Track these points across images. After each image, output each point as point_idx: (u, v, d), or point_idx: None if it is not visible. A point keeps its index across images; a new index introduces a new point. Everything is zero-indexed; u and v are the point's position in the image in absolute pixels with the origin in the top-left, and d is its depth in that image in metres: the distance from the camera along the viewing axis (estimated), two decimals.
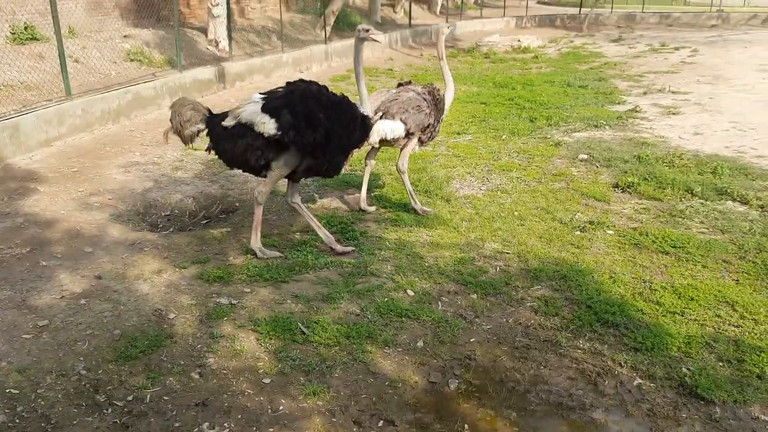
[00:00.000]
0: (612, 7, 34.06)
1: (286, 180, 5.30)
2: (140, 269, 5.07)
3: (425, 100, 6.11)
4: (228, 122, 4.95)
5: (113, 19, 12.95)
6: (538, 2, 45.22)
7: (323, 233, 5.41)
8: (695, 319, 4.37)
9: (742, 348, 4.01)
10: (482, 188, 7.21)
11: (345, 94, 5.25)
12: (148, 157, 8.19)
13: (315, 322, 4.28)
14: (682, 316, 4.42)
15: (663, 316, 4.42)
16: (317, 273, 5.06)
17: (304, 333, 4.18)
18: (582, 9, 31.78)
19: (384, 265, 5.22)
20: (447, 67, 6.48)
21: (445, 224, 6.07)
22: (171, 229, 6.07)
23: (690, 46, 21.30)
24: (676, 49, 20.65)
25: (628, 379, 3.79)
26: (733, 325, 4.30)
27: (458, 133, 9.66)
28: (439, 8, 29.59)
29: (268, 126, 4.77)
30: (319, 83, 5.14)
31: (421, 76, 15.22)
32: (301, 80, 5.13)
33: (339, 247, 5.41)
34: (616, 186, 7.19)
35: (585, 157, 8.36)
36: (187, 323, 4.30)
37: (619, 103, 11.99)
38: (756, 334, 4.17)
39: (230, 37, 13.86)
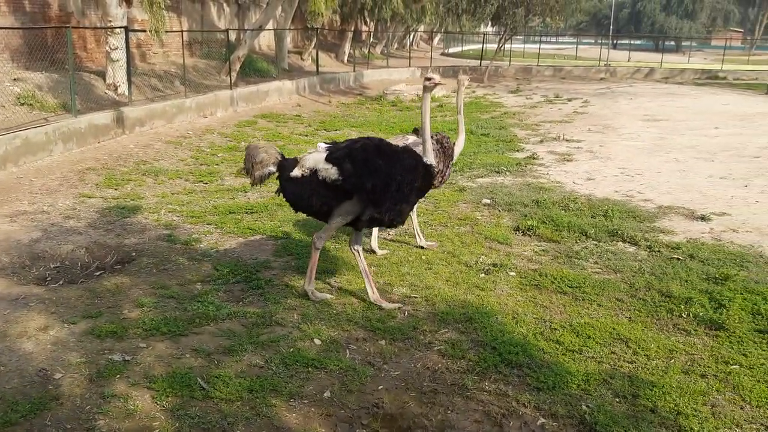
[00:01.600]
0: (510, 61, 35.95)
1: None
2: (24, 326, 4.70)
3: (435, 150, 6.39)
4: (296, 173, 5.13)
5: (2, 62, 12.31)
6: (442, 54, 47.23)
7: (371, 289, 5.32)
8: (593, 357, 4.52)
9: (636, 383, 4.17)
10: (391, 233, 7.26)
11: (407, 146, 5.36)
12: (37, 205, 7.73)
13: (216, 377, 4.09)
14: (581, 353, 4.56)
15: (563, 354, 4.54)
16: (219, 325, 4.87)
17: (203, 389, 3.98)
18: (483, 61, 33.33)
19: (290, 314, 5.10)
20: (463, 120, 6.79)
21: (354, 270, 6.04)
22: (60, 282, 5.70)
23: (581, 97, 22.72)
24: (569, 100, 21.96)
25: (532, 419, 3.84)
26: (627, 362, 4.47)
27: None
28: (346, 57, 30.25)
29: (330, 172, 4.98)
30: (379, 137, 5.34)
31: (330, 123, 15.38)
32: (366, 137, 5.35)
33: (386, 304, 5.28)
34: (517, 229, 7.43)
35: (488, 201, 8.63)
36: (75, 383, 4.00)
37: (518, 151, 12.54)
38: (648, 369, 4.36)
39: (130, 82, 13.50)
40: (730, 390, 4.13)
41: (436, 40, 52.55)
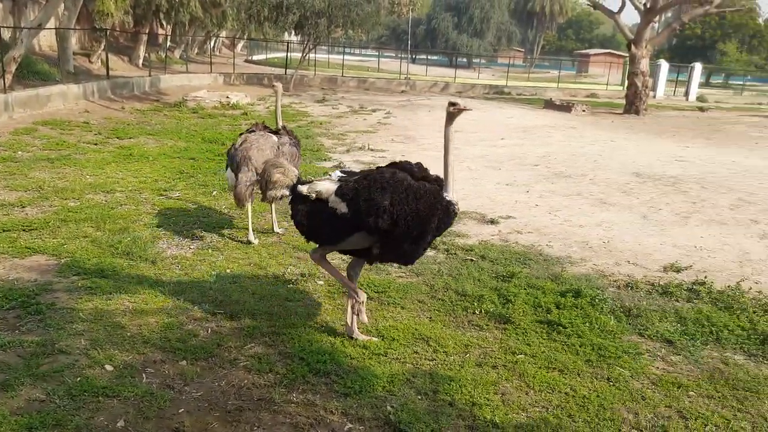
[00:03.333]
0: (315, 70, 36.44)
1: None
2: None
3: (294, 145, 7.35)
4: (304, 190, 4.83)
5: None
6: (246, 61, 46.52)
7: (350, 318, 4.97)
8: (397, 358, 4.67)
9: (436, 380, 4.38)
10: (192, 247, 6.92)
11: (436, 178, 4.72)
12: None
13: None
14: (386, 356, 4.69)
15: (369, 358, 4.64)
16: None
17: None
18: (288, 70, 33.38)
19: (77, 340, 4.61)
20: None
21: (151, 288, 5.65)
22: None
23: (385, 108, 23.66)
24: (373, 111, 22.76)
25: (340, 425, 3.86)
26: (428, 360, 4.69)
27: (165, 190, 9.22)
28: (141, 60, 28.58)
29: (339, 206, 4.68)
30: (402, 166, 4.80)
31: (123, 130, 14.36)
32: (393, 163, 4.91)
33: (359, 335, 4.96)
34: None
35: None
36: None
37: (325, 160, 12.69)
38: (447, 365, 4.61)
39: None
40: (516, 378, 4.50)
41: (239, 46, 51.61)
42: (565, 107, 26.55)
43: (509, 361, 4.72)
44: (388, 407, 4.03)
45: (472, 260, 6.99)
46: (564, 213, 9.45)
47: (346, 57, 45.22)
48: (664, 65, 39.54)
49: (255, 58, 50.95)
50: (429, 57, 64.65)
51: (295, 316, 5.28)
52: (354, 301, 4.92)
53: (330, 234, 4.84)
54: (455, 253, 7.18)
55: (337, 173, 4.99)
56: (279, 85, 7.86)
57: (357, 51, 71.77)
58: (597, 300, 5.81)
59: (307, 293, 5.83)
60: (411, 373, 4.47)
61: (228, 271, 6.25)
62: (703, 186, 11.87)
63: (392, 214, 4.48)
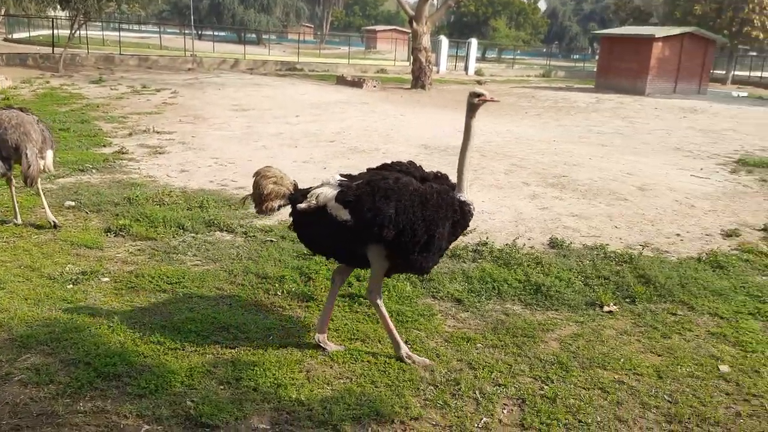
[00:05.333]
0: (88, 49, 33.32)
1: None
2: None
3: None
4: (303, 206, 4.45)
5: None
6: (5, 39, 41.27)
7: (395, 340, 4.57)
8: (195, 351, 4.46)
9: (239, 367, 4.26)
10: None
11: (436, 176, 4.51)
12: None
13: None
14: (183, 350, 4.46)
15: (165, 354, 4.38)
16: None
17: None
18: (55, 48, 30.09)
19: None
20: None
21: None
22: None
23: (170, 87, 22.40)
24: (158, 90, 21.44)
25: (135, 428, 3.60)
26: (229, 348, 4.54)
27: None
28: None
29: (341, 213, 4.33)
30: (405, 168, 4.54)
31: None
32: (384, 165, 4.66)
33: (417, 358, 4.55)
34: (109, 230, 6.90)
35: (72, 203, 7.83)
36: None
37: (104, 146, 11.70)
38: (249, 351, 4.50)
39: None
40: (321, 354, 4.55)
41: None
42: (357, 83, 27.24)
43: (313, 338, 4.74)
44: (188, 402, 3.84)
45: (272, 241, 6.90)
46: None
47: (124, 34, 41.77)
48: (444, 41, 42.20)
49: (16, 36, 45.33)
50: (216, 33, 62.16)
51: (77, 318, 4.81)
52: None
53: (335, 245, 4.51)
54: (254, 236, 7.04)
55: (337, 177, 4.58)
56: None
57: (136, 27, 66.68)
58: None
59: (90, 292, 5.35)
60: (212, 364, 4.30)
61: None
62: (483, 154, 12.93)
63: (397, 224, 4.17)
